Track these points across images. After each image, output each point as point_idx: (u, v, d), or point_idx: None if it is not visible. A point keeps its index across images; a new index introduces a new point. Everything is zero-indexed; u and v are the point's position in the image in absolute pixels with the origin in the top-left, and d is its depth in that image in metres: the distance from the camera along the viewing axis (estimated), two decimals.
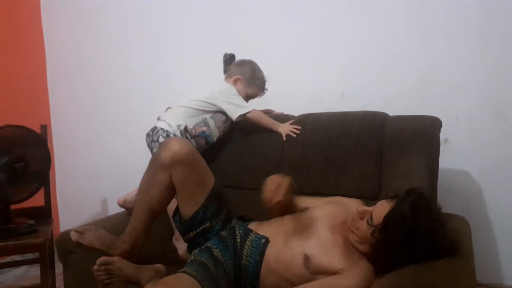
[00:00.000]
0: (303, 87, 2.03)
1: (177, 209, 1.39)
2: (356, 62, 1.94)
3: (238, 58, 1.81)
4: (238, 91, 1.70)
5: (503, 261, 1.79)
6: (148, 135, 1.69)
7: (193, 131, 1.66)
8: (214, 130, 1.69)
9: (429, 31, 1.80)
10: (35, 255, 1.76)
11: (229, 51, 1.83)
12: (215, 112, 1.68)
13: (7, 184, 1.65)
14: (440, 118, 1.55)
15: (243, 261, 1.28)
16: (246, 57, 1.85)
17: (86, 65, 2.56)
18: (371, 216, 1.15)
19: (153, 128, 1.69)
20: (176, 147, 1.30)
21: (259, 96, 1.76)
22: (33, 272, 2.24)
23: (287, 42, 2.04)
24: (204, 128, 1.67)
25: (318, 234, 1.25)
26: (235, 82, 1.71)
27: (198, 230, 1.35)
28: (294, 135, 1.62)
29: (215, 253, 1.27)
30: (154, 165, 1.33)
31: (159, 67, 2.36)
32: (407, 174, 1.41)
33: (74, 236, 1.38)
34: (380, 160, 1.50)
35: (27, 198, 1.75)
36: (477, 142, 1.78)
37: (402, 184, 1.40)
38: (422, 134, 1.49)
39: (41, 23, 2.63)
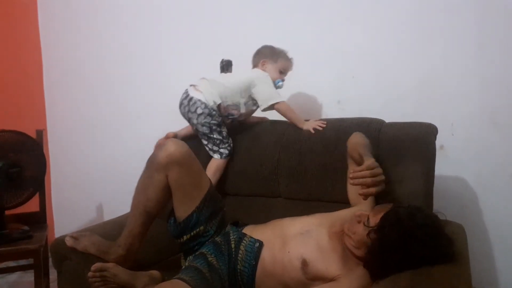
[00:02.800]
0: (299, 94, 2.04)
1: (171, 212, 1.39)
2: (352, 69, 1.94)
3: (235, 64, 1.81)
4: (270, 72, 1.71)
5: (498, 267, 1.80)
6: (182, 104, 1.70)
7: (223, 111, 1.68)
8: (242, 115, 1.72)
9: (425, 39, 1.82)
10: (29, 261, 1.75)
11: (226, 57, 1.83)
12: (248, 99, 1.70)
13: (2, 189, 1.64)
14: (436, 125, 1.56)
15: (238, 266, 1.28)
16: (243, 63, 1.86)
17: (82, 70, 2.56)
18: (368, 218, 1.16)
19: (187, 96, 1.68)
20: (173, 147, 1.31)
21: (291, 68, 1.76)
22: (27, 279, 2.22)
23: (282, 46, 2.04)
24: (235, 112, 1.70)
25: (317, 239, 1.26)
26: (263, 65, 1.72)
27: (192, 233, 1.35)
28: (321, 129, 1.62)
29: (210, 259, 1.27)
30: (151, 166, 1.33)
31: (156, 72, 2.36)
32: (403, 180, 1.42)
33: (69, 242, 1.37)
34: None
35: (22, 204, 1.74)
36: (472, 149, 1.79)
37: (399, 190, 1.41)
38: (418, 141, 1.49)
39: (38, 26, 2.63)
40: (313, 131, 1.62)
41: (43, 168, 1.79)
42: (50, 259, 1.49)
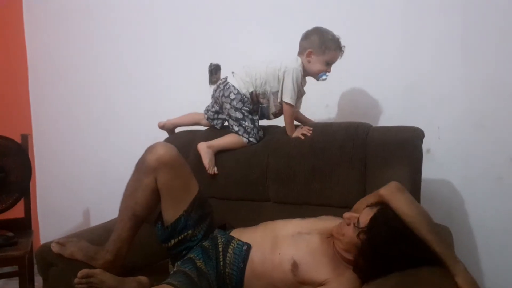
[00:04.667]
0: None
1: (159, 216, 1.38)
2: (340, 74, 1.96)
3: (223, 68, 1.81)
4: (314, 64, 1.64)
5: (484, 269, 1.82)
6: (218, 87, 1.71)
7: (255, 99, 1.68)
8: (271, 106, 1.70)
9: (412, 43, 1.84)
10: (14, 268, 1.73)
11: (215, 61, 1.83)
12: (278, 90, 1.66)
13: None
14: (422, 129, 1.58)
15: (227, 270, 1.28)
16: (231, 67, 1.85)
17: (69, 74, 2.53)
18: (358, 220, 1.17)
19: (224, 80, 1.69)
20: (162, 150, 1.30)
21: (340, 57, 1.67)
22: (12, 286, 2.18)
23: (273, 52, 2.05)
24: (264, 101, 1.69)
25: (308, 242, 1.26)
26: (308, 56, 1.64)
27: (179, 237, 1.35)
28: (309, 134, 1.61)
29: (198, 263, 1.27)
30: (140, 169, 1.33)
31: (144, 75, 2.35)
32: (392, 181, 1.43)
33: (55, 248, 1.35)
34: (364, 170, 1.51)
35: (7, 210, 1.71)
36: (459, 152, 1.82)
37: None
38: (405, 145, 1.51)
39: (24, 30, 2.59)
40: (302, 137, 1.62)
41: (28, 173, 1.77)
42: (36, 266, 1.47)
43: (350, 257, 1.19)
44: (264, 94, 1.67)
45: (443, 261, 1.03)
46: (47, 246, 1.38)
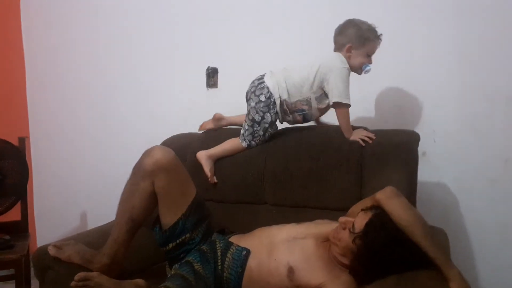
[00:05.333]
0: None
1: (157, 219, 1.38)
2: None
3: (221, 71, 1.81)
4: (355, 59, 1.58)
5: (479, 270, 1.83)
6: (253, 82, 1.67)
7: (293, 106, 1.62)
8: (315, 110, 1.64)
9: (407, 48, 1.86)
10: (11, 271, 1.72)
11: (212, 65, 1.84)
12: (321, 94, 1.60)
13: None
14: (418, 132, 1.60)
15: (225, 274, 1.28)
16: (228, 70, 1.86)
17: (66, 77, 2.53)
18: (353, 225, 1.17)
19: (260, 78, 1.65)
20: (159, 154, 1.30)
21: (378, 46, 1.61)
22: None
23: (268, 54, 2.06)
24: (305, 107, 1.62)
25: (303, 247, 1.27)
26: (348, 51, 1.57)
27: (177, 241, 1.35)
28: (364, 144, 1.53)
29: (196, 267, 1.27)
30: (137, 173, 1.33)
31: (140, 79, 2.35)
32: (387, 186, 1.44)
33: (52, 251, 1.34)
34: (360, 173, 1.52)
35: (3, 213, 1.71)
36: (453, 154, 1.83)
37: None
38: (401, 148, 1.52)
39: (21, 34, 2.59)
40: (362, 143, 1.53)
41: (26, 176, 1.77)
42: (32, 269, 1.47)
43: (346, 261, 1.19)
44: (305, 100, 1.61)
45: (438, 265, 1.05)
46: (43, 249, 1.37)
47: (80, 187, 2.53)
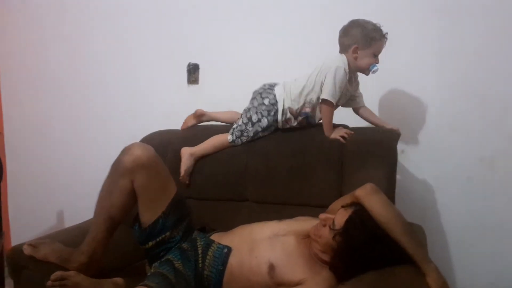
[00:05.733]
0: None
1: (136, 217, 1.36)
2: None
3: (202, 67, 1.79)
4: (362, 59, 1.56)
5: (455, 266, 1.88)
6: (264, 85, 1.66)
7: (298, 111, 1.60)
8: (318, 112, 1.63)
9: (388, 47, 1.87)
10: None
11: (193, 61, 1.82)
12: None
13: None
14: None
15: (205, 272, 1.28)
16: (209, 67, 1.83)
17: (41, 73, 2.46)
18: (333, 222, 1.18)
19: (272, 85, 1.65)
20: (139, 151, 1.28)
21: (384, 44, 1.59)
22: None
23: (251, 51, 2.06)
24: (308, 110, 1.61)
25: (284, 244, 1.27)
26: (354, 52, 1.55)
27: (157, 239, 1.33)
28: (343, 140, 1.55)
29: (176, 265, 1.26)
30: (116, 171, 1.30)
31: (119, 75, 2.31)
32: (367, 183, 1.46)
33: (27, 250, 1.31)
34: (341, 170, 1.54)
35: None
36: (431, 153, 1.87)
37: None
38: (380, 146, 1.55)
39: None
40: (342, 140, 1.55)
41: None
42: (6, 269, 1.43)
43: (326, 258, 1.20)
44: (309, 102, 1.60)
45: (416, 261, 1.07)
46: (18, 248, 1.34)
47: (57, 185, 2.48)
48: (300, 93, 1.60)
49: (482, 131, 1.81)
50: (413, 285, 1.04)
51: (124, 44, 2.29)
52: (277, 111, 1.61)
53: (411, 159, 1.88)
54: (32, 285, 1.33)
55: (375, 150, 1.53)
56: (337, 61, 1.56)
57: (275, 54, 2.02)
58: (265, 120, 1.61)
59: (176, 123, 1.86)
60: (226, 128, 1.71)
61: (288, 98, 1.61)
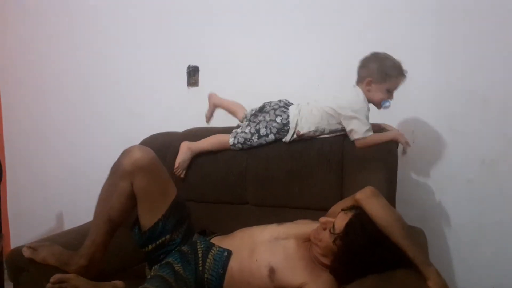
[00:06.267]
0: (266, 101, 2.05)
1: (136, 220, 1.36)
2: (318, 78, 1.98)
3: (202, 69, 1.79)
4: (375, 93, 1.56)
5: (456, 269, 1.88)
6: (280, 101, 1.65)
7: (305, 135, 1.59)
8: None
9: (386, 50, 1.87)
10: None
11: (193, 63, 1.82)
12: (336, 128, 1.58)
13: None
14: None
15: (206, 275, 1.27)
16: (210, 69, 1.83)
17: (41, 74, 2.46)
18: (333, 225, 1.18)
19: (288, 104, 1.64)
20: (138, 154, 1.28)
21: (402, 82, 1.57)
22: None
23: (250, 54, 2.06)
24: (316, 134, 1.60)
25: (284, 248, 1.27)
26: (368, 84, 1.55)
27: (157, 242, 1.33)
28: (408, 146, 1.59)
29: (176, 268, 1.26)
30: (115, 173, 1.30)
31: (119, 77, 2.31)
32: (367, 186, 1.45)
33: (26, 252, 1.31)
34: (341, 173, 1.54)
35: None
36: (432, 155, 1.87)
37: None
38: (380, 148, 1.54)
39: None
40: (408, 145, 1.57)
41: None
42: (6, 271, 1.42)
43: (326, 261, 1.20)
44: (320, 131, 1.59)
45: (416, 264, 1.06)
46: (18, 251, 1.33)
47: (57, 187, 2.47)
48: (313, 123, 1.58)
49: (483, 133, 1.80)
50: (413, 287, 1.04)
51: (124, 46, 2.29)
52: (287, 131, 1.59)
53: (412, 162, 1.88)
54: (32, 287, 1.32)
55: (376, 153, 1.53)
56: (356, 101, 1.55)
57: (275, 56, 2.02)
58: (272, 136, 1.60)
59: (176, 125, 1.86)
60: (226, 131, 1.70)
61: (300, 122, 1.59)
